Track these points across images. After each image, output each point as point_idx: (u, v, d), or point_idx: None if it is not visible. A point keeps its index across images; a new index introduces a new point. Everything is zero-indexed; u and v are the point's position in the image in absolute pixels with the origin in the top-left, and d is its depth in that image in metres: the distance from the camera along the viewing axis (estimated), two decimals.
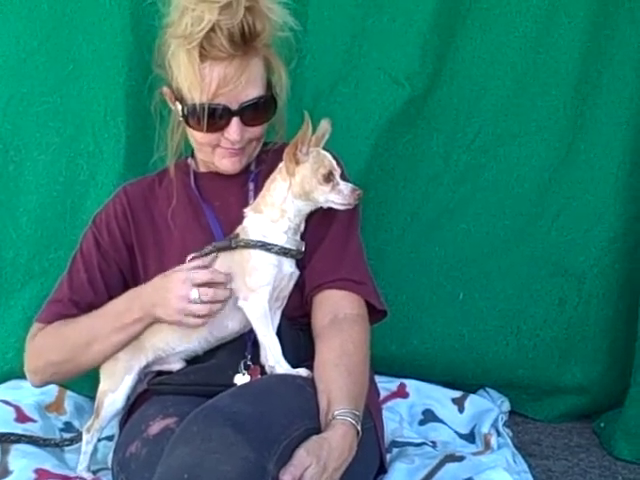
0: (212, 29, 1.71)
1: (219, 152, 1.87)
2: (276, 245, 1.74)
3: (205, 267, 1.73)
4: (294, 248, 1.78)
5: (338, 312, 1.78)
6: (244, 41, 1.74)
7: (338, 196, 1.74)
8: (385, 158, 2.39)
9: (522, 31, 2.37)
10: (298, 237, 1.81)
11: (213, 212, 1.91)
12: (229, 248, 1.76)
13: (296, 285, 1.84)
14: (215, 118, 1.79)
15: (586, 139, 2.42)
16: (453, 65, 2.39)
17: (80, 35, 2.23)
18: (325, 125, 1.80)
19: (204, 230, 1.88)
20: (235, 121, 1.80)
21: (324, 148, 1.82)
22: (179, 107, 1.85)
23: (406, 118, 2.37)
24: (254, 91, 1.80)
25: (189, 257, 1.77)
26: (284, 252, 1.75)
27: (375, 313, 1.86)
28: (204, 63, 1.75)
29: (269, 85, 1.85)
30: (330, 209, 1.87)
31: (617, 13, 2.35)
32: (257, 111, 1.82)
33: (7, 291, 2.35)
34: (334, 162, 1.76)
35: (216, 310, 1.70)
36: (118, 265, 1.93)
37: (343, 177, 1.78)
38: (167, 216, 1.93)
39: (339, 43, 2.34)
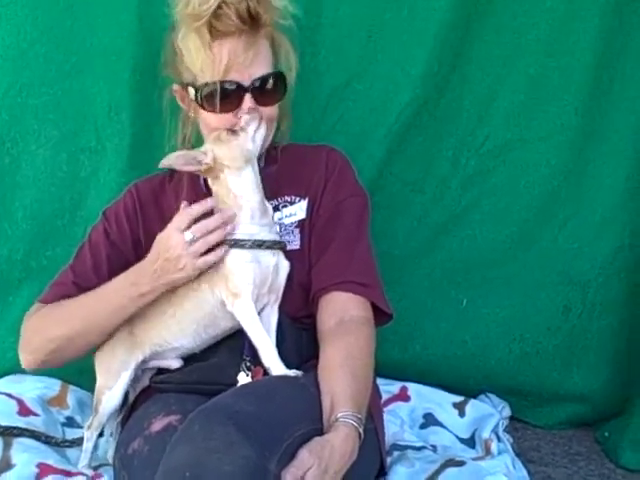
0: (219, 6, 1.73)
1: None
2: (249, 240, 1.72)
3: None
4: (269, 239, 1.75)
5: (344, 314, 1.78)
6: (251, 18, 1.76)
7: (250, 130, 1.76)
8: (396, 161, 2.35)
9: (535, 35, 2.32)
10: (268, 220, 1.78)
11: None
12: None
13: (301, 286, 1.84)
14: (228, 96, 1.80)
15: (596, 147, 2.39)
16: (465, 67, 2.34)
17: (84, 27, 2.16)
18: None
19: None
20: (247, 97, 1.80)
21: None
22: (192, 92, 1.84)
23: (419, 120, 2.33)
24: (262, 68, 1.82)
25: None
26: (258, 245, 1.73)
27: (380, 315, 1.86)
28: (214, 41, 1.76)
29: (276, 66, 1.86)
30: (339, 207, 1.88)
31: (631, 20, 2.31)
32: (268, 88, 1.83)
33: (4, 288, 2.29)
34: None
35: (218, 237, 1.71)
36: (125, 257, 1.91)
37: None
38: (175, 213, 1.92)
39: (355, 38, 2.27)
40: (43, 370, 2.09)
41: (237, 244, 1.71)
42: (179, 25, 1.81)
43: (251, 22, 1.76)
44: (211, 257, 1.72)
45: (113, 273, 1.86)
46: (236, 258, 1.71)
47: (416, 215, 2.41)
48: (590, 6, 2.31)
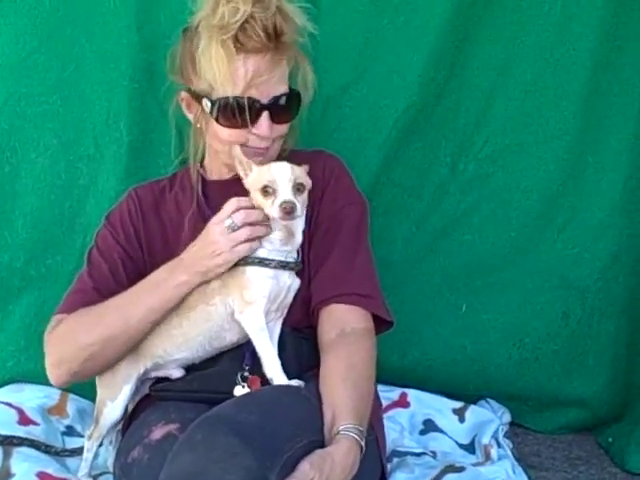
0: (247, 20, 1.70)
1: (244, 152, 1.81)
2: (274, 260, 1.72)
3: None
4: (292, 261, 1.76)
5: (345, 326, 1.77)
6: (276, 35, 1.73)
7: (273, 209, 1.68)
8: (393, 166, 2.35)
9: (533, 40, 2.32)
10: (290, 248, 1.76)
11: None
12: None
13: (301, 298, 1.83)
14: (246, 112, 1.76)
15: (594, 152, 2.39)
16: (463, 72, 2.33)
17: (83, 35, 2.16)
18: None
19: None
20: (265, 115, 1.78)
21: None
22: (206, 104, 1.80)
23: (416, 126, 2.32)
24: (282, 87, 1.80)
25: None
26: (282, 266, 1.73)
27: (380, 323, 1.85)
28: (238, 55, 1.73)
29: (291, 84, 1.84)
30: (337, 216, 1.88)
31: (629, 24, 2.31)
32: (285, 107, 1.82)
33: (4, 297, 2.29)
34: (278, 173, 1.69)
35: (259, 231, 1.70)
36: (135, 260, 1.90)
37: (298, 187, 1.70)
38: (176, 223, 1.92)
39: (352, 45, 2.26)
40: (44, 379, 2.03)
41: (262, 263, 1.72)
42: (200, 34, 1.75)
43: (276, 40, 1.74)
44: (248, 245, 1.70)
45: (129, 276, 1.86)
46: (257, 271, 1.72)
47: (414, 221, 2.41)
48: (587, 11, 2.30)
